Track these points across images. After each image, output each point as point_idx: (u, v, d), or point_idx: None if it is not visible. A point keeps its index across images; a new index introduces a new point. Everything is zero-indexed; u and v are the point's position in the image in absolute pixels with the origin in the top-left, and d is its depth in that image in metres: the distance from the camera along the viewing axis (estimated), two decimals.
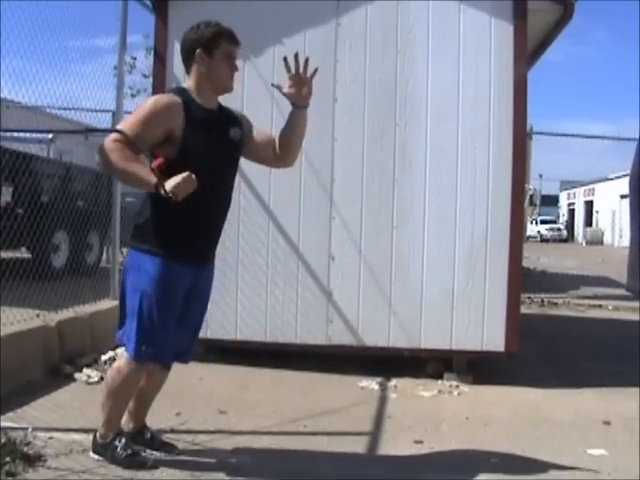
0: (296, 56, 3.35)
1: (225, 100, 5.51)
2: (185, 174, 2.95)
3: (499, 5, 5.23)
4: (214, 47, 3.23)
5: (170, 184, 2.93)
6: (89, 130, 7.98)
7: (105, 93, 6.97)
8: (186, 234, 3.22)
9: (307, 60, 3.34)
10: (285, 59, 3.34)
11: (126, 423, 3.51)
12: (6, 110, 7.57)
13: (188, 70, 3.29)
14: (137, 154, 3.08)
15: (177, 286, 3.22)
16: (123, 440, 3.35)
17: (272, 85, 3.49)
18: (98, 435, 3.37)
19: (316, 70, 3.35)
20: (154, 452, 3.48)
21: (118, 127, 3.11)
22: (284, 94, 3.38)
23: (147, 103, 3.18)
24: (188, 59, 3.27)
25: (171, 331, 3.27)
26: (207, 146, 3.21)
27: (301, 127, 3.45)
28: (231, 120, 3.39)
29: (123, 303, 3.30)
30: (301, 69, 3.33)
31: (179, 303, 3.26)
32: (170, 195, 2.93)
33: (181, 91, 3.25)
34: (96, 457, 3.36)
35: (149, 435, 3.55)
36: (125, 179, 3.10)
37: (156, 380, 3.51)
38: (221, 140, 3.29)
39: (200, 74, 3.25)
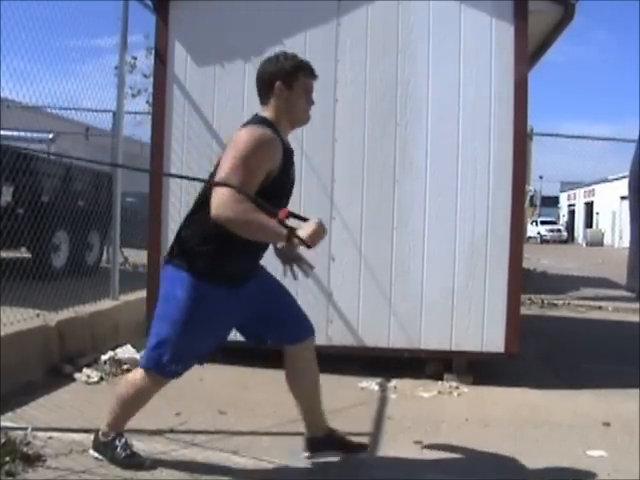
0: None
1: (226, 100, 5.52)
2: (317, 222, 2.93)
3: (500, 5, 5.23)
4: (294, 80, 3.19)
5: (305, 233, 2.90)
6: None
7: (106, 93, 6.98)
8: (233, 264, 3.16)
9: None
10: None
11: (311, 431, 3.54)
12: (6, 110, 7.58)
13: (264, 101, 3.23)
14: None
15: (214, 309, 3.16)
16: (123, 440, 3.35)
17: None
18: (100, 433, 3.37)
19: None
20: (344, 454, 3.51)
21: (223, 177, 2.94)
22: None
23: (248, 141, 3.00)
24: (266, 90, 3.21)
25: (204, 349, 3.28)
26: (287, 183, 3.20)
27: None
28: (293, 155, 3.35)
29: (154, 322, 3.25)
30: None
31: (215, 326, 3.21)
32: (309, 245, 2.89)
33: (269, 124, 3.14)
34: (95, 455, 3.36)
35: (335, 436, 3.56)
36: (251, 231, 2.97)
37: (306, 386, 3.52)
38: (293, 176, 3.28)
39: (279, 107, 3.19)
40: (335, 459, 3.55)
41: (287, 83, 3.18)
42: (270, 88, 3.19)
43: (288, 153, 3.21)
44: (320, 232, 2.93)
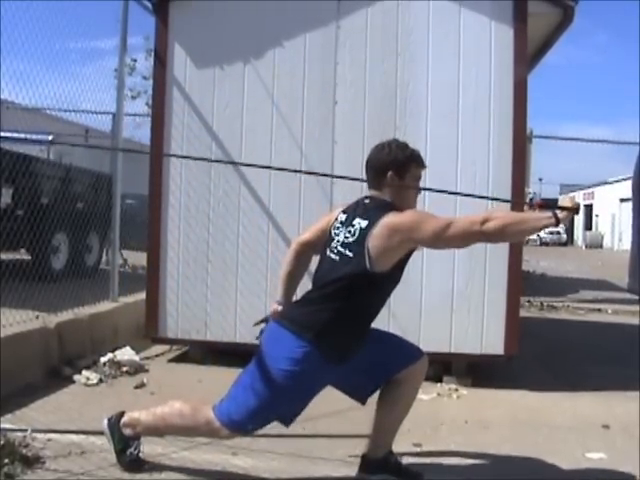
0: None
1: (225, 102, 5.52)
2: (574, 203, 3.05)
3: (499, 8, 5.23)
4: (406, 171, 3.22)
5: (569, 203, 3.04)
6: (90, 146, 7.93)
7: (105, 95, 6.97)
8: (348, 339, 3.18)
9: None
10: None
11: (372, 450, 3.46)
12: (6, 111, 7.58)
13: (376, 187, 3.24)
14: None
15: (318, 379, 3.18)
16: (139, 446, 3.34)
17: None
18: (124, 422, 3.33)
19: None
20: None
21: (440, 233, 3.00)
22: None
23: (410, 214, 3.11)
24: (378, 178, 3.23)
25: (288, 414, 3.23)
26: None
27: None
28: None
29: (247, 376, 3.21)
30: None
31: (313, 393, 3.20)
32: (577, 208, 3.03)
33: (396, 207, 3.15)
34: (107, 431, 3.34)
35: (395, 461, 3.49)
36: (528, 229, 3.10)
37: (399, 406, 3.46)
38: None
39: (392, 195, 3.21)
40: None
41: (399, 173, 3.20)
42: (383, 177, 3.21)
43: None
44: (577, 207, 3.05)
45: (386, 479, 3.40)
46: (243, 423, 3.15)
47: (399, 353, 3.45)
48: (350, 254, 3.10)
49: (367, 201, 3.23)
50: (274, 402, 3.11)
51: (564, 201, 3.08)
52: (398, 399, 3.42)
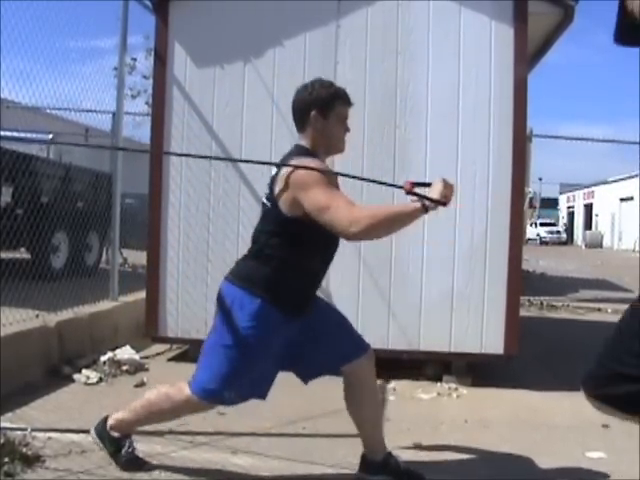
0: None
1: (225, 101, 5.52)
2: (440, 180, 2.88)
3: (499, 7, 5.23)
4: (330, 109, 3.15)
5: (437, 193, 2.84)
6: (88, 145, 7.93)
7: (105, 94, 6.98)
8: (296, 289, 3.14)
9: None
10: None
11: (370, 452, 3.42)
12: (6, 110, 7.58)
13: (300, 129, 3.20)
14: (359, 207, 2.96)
15: (272, 335, 3.11)
16: (132, 443, 3.35)
17: None
18: (109, 424, 3.33)
19: None
20: None
21: (326, 209, 2.88)
22: None
23: (307, 174, 2.96)
24: (301, 119, 3.18)
25: (254, 379, 3.17)
26: None
27: None
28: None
29: (209, 341, 3.20)
30: None
31: (269, 351, 3.14)
32: (443, 203, 2.84)
33: (312, 154, 3.13)
34: (96, 440, 3.34)
35: (395, 463, 3.43)
36: (390, 225, 2.97)
37: (370, 405, 3.44)
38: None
39: (315, 135, 3.16)
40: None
41: (323, 112, 3.14)
42: (306, 116, 3.15)
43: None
44: (449, 188, 2.88)
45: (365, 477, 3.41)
46: (217, 391, 3.11)
47: (350, 341, 3.42)
48: (269, 204, 3.12)
49: (291, 148, 3.22)
50: (241, 363, 3.08)
51: (436, 185, 2.87)
52: (362, 399, 3.42)
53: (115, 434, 3.33)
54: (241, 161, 5.39)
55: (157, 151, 5.52)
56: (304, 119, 3.17)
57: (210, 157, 5.36)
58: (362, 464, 3.44)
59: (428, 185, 2.93)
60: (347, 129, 3.26)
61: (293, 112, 3.23)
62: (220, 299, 3.16)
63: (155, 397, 3.27)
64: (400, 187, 2.90)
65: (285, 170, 3.02)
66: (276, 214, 3.06)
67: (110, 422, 3.34)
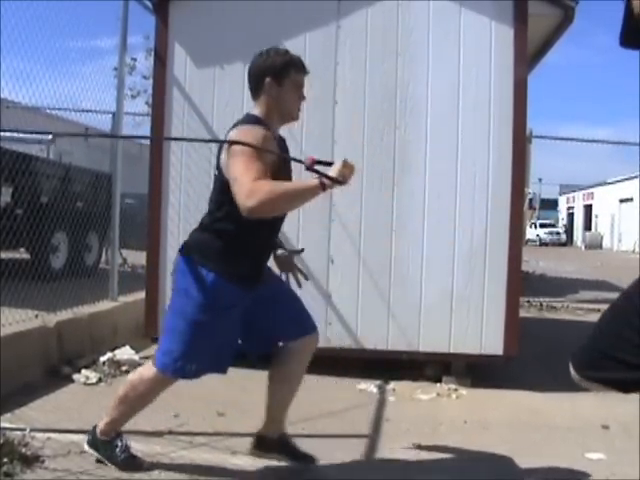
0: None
1: (225, 101, 5.52)
2: (342, 160, 2.93)
3: (500, 8, 5.23)
4: (284, 76, 3.18)
5: (335, 172, 2.89)
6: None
7: (105, 94, 6.98)
8: (244, 258, 3.16)
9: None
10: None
11: (266, 430, 3.49)
12: (6, 111, 7.58)
13: (255, 96, 3.24)
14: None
15: (227, 306, 3.14)
16: (124, 442, 3.35)
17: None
18: (99, 431, 3.35)
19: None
20: (292, 461, 3.48)
21: (238, 179, 2.90)
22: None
23: (247, 140, 2.98)
24: (256, 86, 3.21)
25: (211, 350, 3.20)
26: (278, 176, 3.11)
27: None
28: (287, 150, 3.37)
29: (168, 318, 3.24)
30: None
31: (227, 323, 3.18)
32: (340, 182, 2.90)
33: (261, 122, 3.15)
34: (91, 451, 3.35)
35: (288, 443, 3.51)
36: (293, 200, 3.00)
37: (291, 381, 3.48)
38: (288, 170, 3.27)
39: (269, 103, 3.19)
40: (277, 463, 3.50)
41: (277, 79, 3.18)
42: (260, 83, 3.19)
43: (281, 146, 3.26)
44: (349, 168, 2.92)
45: (280, 458, 3.48)
46: (178, 364, 3.14)
47: (298, 320, 3.48)
48: (217, 171, 3.15)
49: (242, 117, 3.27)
50: (198, 336, 3.11)
51: (336, 165, 2.92)
52: (288, 375, 3.47)
53: (107, 437, 3.34)
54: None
55: (157, 151, 5.52)
56: (258, 86, 3.20)
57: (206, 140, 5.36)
58: (257, 442, 3.50)
59: (330, 164, 2.99)
60: (302, 97, 3.29)
61: (248, 80, 3.27)
62: (176, 273, 3.21)
63: (129, 387, 3.30)
64: (301, 162, 2.95)
65: (231, 132, 3.10)
66: (221, 181, 3.09)
67: (99, 429, 3.36)
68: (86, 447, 3.38)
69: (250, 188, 2.82)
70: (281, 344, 3.46)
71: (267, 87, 3.17)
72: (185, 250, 3.22)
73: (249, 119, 3.19)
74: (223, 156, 3.06)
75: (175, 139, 5.53)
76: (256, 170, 2.87)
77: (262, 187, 2.82)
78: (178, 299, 3.19)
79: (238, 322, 3.23)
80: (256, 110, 3.23)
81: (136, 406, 3.34)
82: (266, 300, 3.33)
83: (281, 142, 3.31)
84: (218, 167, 3.13)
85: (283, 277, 3.58)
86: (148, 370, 3.27)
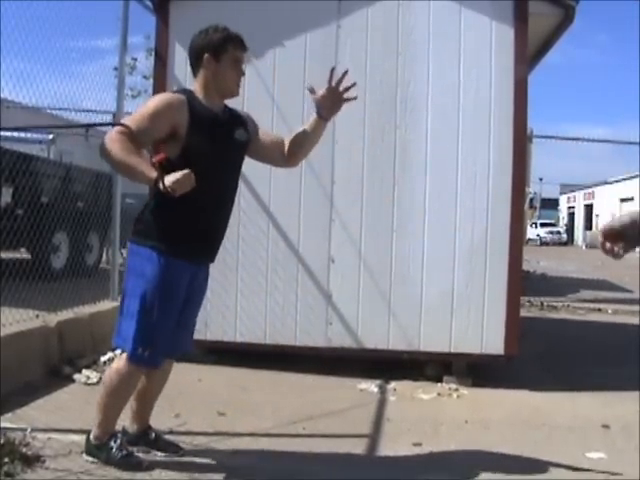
0: (344, 73, 3.40)
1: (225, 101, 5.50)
2: (185, 171, 2.95)
3: (500, 8, 5.23)
4: (222, 52, 3.25)
5: (169, 179, 2.92)
6: (89, 125, 7.92)
7: (106, 94, 6.97)
8: (187, 232, 3.22)
9: (346, 73, 3.42)
10: (333, 69, 3.41)
11: (130, 424, 3.53)
12: (6, 111, 7.58)
13: (195, 73, 3.32)
14: (140, 149, 3.10)
15: (177, 284, 3.22)
16: (118, 441, 3.35)
17: (307, 88, 3.51)
18: (92, 436, 3.36)
19: (351, 87, 3.44)
20: (158, 453, 3.49)
21: (122, 121, 3.12)
22: (315, 100, 3.42)
23: (152, 99, 3.26)
24: (196, 63, 3.30)
25: (169, 331, 3.27)
26: (211, 146, 3.21)
27: (317, 136, 3.56)
28: (237, 121, 3.42)
29: (123, 302, 3.30)
30: (342, 85, 3.40)
31: (179, 302, 3.26)
32: (169, 190, 2.92)
33: (187, 92, 3.28)
34: (90, 459, 3.35)
35: (154, 436, 3.56)
36: (125, 171, 3.09)
37: (157, 379, 3.50)
38: (226, 141, 3.30)
39: (207, 78, 3.27)
40: (146, 455, 3.50)
41: (215, 55, 3.25)
42: (199, 60, 3.27)
43: (213, 118, 3.27)
44: (185, 181, 2.94)
45: (146, 449, 3.50)
46: (142, 352, 3.19)
47: (186, 336, 3.52)
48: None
49: None
50: (151, 316, 3.16)
51: (176, 174, 2.93)
52: (154, 384, 3.51)
53: (100, 440, 3.35)
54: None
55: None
56: (197, 63, 3.28)
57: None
58: (128, 436, 3.52)
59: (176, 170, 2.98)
60: (241, 72, 3.35)
61: (189, 57, 3.35)
62: (127, 256, 3.33)
63: (107, 385, 3.34)
64: (150, 157, 3.05)
65: None
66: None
67: (92, 435, 3.37)
68: (84, 457, 3.38)
69: (112, 136, 2.99)
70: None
71: (205, 63, 3.25)
72: (132, 233, 3.29)
73: (178, 89, 3.38)
74: None
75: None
76: (137, 126, 3.03)
77: (117, 142, 2.97)
78: (129, 280, 3.25)
79: (182, 296, 3.28)
80: (194, 85, 3.32)
81: (117, 401, 3.36)
82: (187, 297, 3.35)
83: (224, 115, 3.34)
84: None
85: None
86: (118, 360, 3.36)
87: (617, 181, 47.07)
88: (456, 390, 5.15)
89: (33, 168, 7.95)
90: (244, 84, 5.44)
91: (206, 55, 3.24)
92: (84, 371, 5.04)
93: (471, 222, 5.25)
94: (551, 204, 57.34)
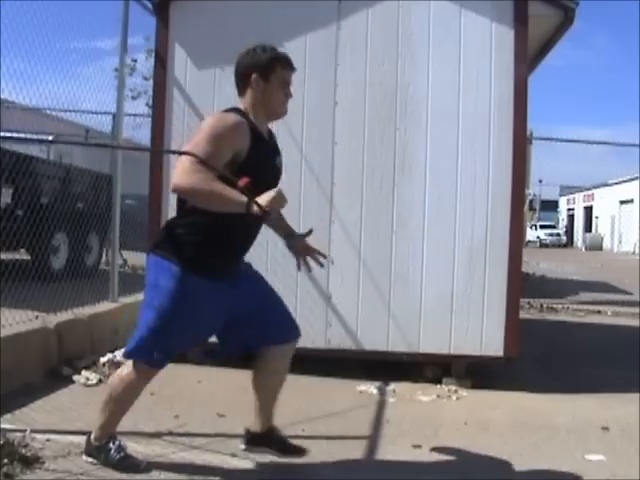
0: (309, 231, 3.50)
1: (225, 102, 5.51)
2: (277, 190, 2.90)
3: (500, 9, 5.23)
4: (270, 72, 3.19)
5: (265, 200, 2.85)
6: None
7: (106, 95, 6.98)
8: (216, 253, 3.15)
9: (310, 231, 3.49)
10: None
11: (253, 423, 3.51)
12: (6, 111, 7.58)
13: (241, 92, 3.25)
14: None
15: (202, 299, 3.13)
16: (117, 443, 3.33)
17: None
18: (92, 438, 3.35)
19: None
20: (280, 454, 3.50)
21: (185, 148, 2.95)
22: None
23: (213, 122, 3.05)
24: (242, 82, 3.23)
25: (184, 341, 3.27)
26: (262, 170, 3.12)
27: None
28: (277, 147, 3.39)
29: (143, 307, 3.24)
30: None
31: (203, 315, 3.19)
32: (266, 211, 2.84)
33: (241, 112, 3.17)
34: (89, 460, 3.35)
35: (277, 437, 3.53)
36: (213, 201, 2.91)
37: (276, 371, 3.49)
38: (270, 166, 3.25)
39: (255, 98, 3.20)
40: (270, 457, 3.52)
41: (264, 75, 3.19)
42: (247, 79, 3.21)
43: (264, 141, 3.22)
44: (279, 199, 2.90)
45: (270, 452, 3.50)
46: (148, 353, 3.17)
47: (281, 325, 3.48)
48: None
49: None
50: (168, 328, 3.13)
51: (269, 193, 2.88)
52: (270, 380, 3.49)
53: (99, 442, 3.33)
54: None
55: (156, 157, 5.52)
56: (244, 82, 3.22)
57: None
58: (248, 438, 3.54)
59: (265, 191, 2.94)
60: (288, 94, 3.28)
61: (235, 76, 3.29)
62: (146, 269, 3.24)
63: (112, 388, 3.33)
64: (235, 183, 2.90)
65: (203, 121, 3.13)
66: None
67: (93, 436, 3.36)
68: (84, 457, 3.38)
69: (187, 167, 2.85)
70: (265, 348, 3.45)
71: (253, 83, 3.19)
72: (152, 247, 3.24)
73: (228, 109, 3.20)
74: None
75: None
76: (205, 152, 2.89)
77: (195, 174, 2.84)
78: (148, 293, 3.21)
79: (209, 313, 3.22)
80: (241, 105, 3.25)
81: (120, 406, 3.34)
82: (251, 303, 3.33)
83: (264, 139, 3.25)
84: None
85: (301, 262, 3.54)
86: (124, 368, 3.34)
87: (617, 183, 47.06)
88: (455, 392, 5.15)
89: (33, 169, 7.95)
90: None
91: (254, 75, 3.18)
92: (83, 372, 5.04)
93: (471, 224, 5.25)
94: (551, 206, 57.26)
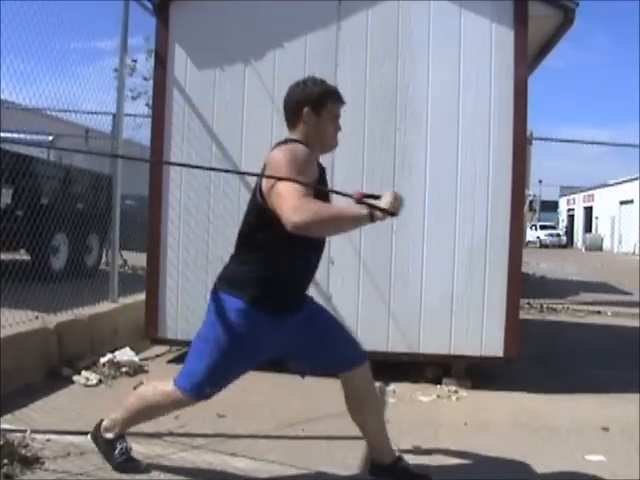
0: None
1: (226, 103, 5.52)
2: (391, 192, 2.88)
3: (500, 9, 5.23)
4: (321, 106, 3.15)
5: (386, 202, 2.83)
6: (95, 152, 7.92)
7: (106, 95, 6.98)
8: (287, 289, 3.11)
9: None
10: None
11: (378, 456, 3.45)
12: (6, 111, 7.58)
13: (292, 126, 3.18)
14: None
15: (262, 336, 3.10)
16: (124, 445, 3.33)
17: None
18: (103, 426, 3.34)
19: None
20: None
21: (284, 194, 2.80)
22: None
23: (287, 154, 2.94)
24: (293, 116, 3.17)
25: (238, 375, 3.23)
26: (323, 200, 3.05)
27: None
28: (326, 177, 3.34)
29: (202, 341, 3.19)
30: None
31: (262, 351, 3.18)
32: (391, 212, 2.82)
33: (302, 143, 3.09)
34: (91, 442, 3.36)
35: (402, 466, 3.44)
36: (333, 225, 2.90)
37: (372, 410, 3.48)
38: (327, 196, 3.21)
39: (308, 132, 3.14)
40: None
41: (315, 109, 3.13)
42: (298, 113, 3.14)
43: (324, 172, 3.22)
44: (398, 198, 2.88)
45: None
46: (201, 387, 3.13)
47: (348, 350, 3.48)
48: (251, 195, 3.12)
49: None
50: (227, 364, 3.11)
51: (386, 197, 2.87)
52: (363, 407, 3.44)
53: (109, 436, 3.33)
54: (237, 173, 5.38)
55: (156, 152, 5.52)
56: (296, 116, 3.15)
57: (209, 168, 5.35)
58: (372, 467, 3.46)
59: (377, 197, 2.93)
60: (338, 127, 3.25)
61: (285, 109, 3.22)
62: (209, 304, 3.17)
63: (143, 395, 3.32)
64: (350, 196, 2.87)
65: (272, 152, 3.02)
66: (255, 202, 3.05)
67: (105, 424, 3.35)
68: (88, 437, 3.39)
69: (296, 204, 2.74)
70: (340, 374, 3.47)
71: (305, 117, 3.12)
72: (217, 281, 3.18)
73: (290, 140, 3.12)
74: (265, 182, 2.97)
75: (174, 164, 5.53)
76: (301, 187, 2.80)
77: (309, 204, 2.76)
78: (208, 328, 3.16)
79: (268, 348, 3.18)
80: (295, 136, 3.16)
81: (147, 415, 3.34)
82: (316, 329, 3.31)
83: (321, 169, 3.22)
84: (256, 191, 3.06)
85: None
86: (165, 385, 3.24)
87: (617, 183, 47.09)
88: (455, 392, 5.15)
89: (33, 169, 7.95)
90: (245, 87, 5.48)
91: (306, 109, 3.12)
92: (83, 372, 5.04)
93: (471, 224, 5.25)
94: (551, 206, 57.35)
